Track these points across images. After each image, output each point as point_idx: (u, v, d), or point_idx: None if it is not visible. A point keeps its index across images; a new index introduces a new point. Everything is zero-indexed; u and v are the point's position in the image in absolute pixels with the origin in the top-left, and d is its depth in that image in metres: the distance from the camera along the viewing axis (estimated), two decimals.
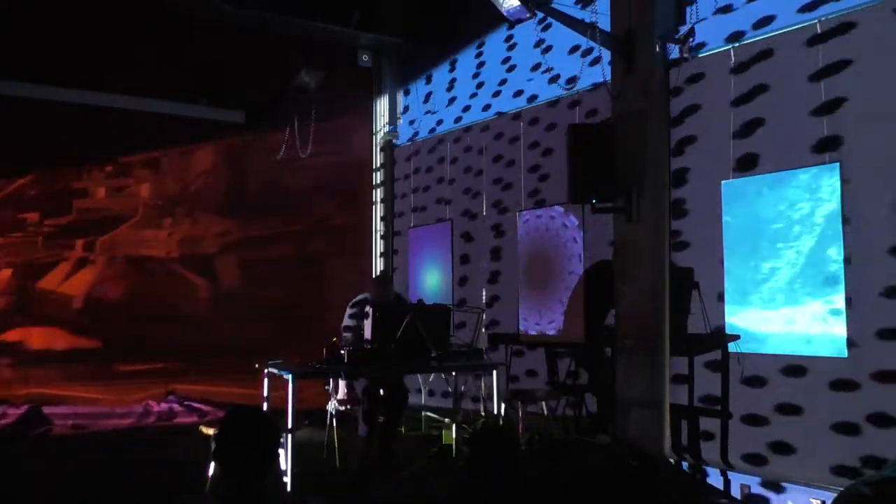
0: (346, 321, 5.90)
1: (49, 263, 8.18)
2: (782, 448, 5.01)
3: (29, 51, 7.39)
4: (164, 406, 7.92)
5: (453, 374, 6.37)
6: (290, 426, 4.87)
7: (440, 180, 8.55)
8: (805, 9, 5.11)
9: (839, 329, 4.75)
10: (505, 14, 5.14)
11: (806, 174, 4.99)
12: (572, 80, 6.19)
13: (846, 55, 4.84)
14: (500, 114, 7.75)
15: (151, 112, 8.13)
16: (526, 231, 7.28)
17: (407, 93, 9.12)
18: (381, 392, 5.69)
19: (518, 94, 7.54)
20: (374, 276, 8.93)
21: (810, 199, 4.95)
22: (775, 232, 5.16)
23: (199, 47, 7.95)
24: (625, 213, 5.57)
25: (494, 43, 8.04)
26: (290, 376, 4.97)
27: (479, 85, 8.19)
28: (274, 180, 9.06)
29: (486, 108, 8.00)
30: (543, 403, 6.17)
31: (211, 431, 4.80)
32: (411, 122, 9.04)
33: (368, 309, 5.63)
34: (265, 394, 5.43)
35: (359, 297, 5.98)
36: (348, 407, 5.89)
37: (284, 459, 4.80)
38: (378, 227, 9.53)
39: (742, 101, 5.43)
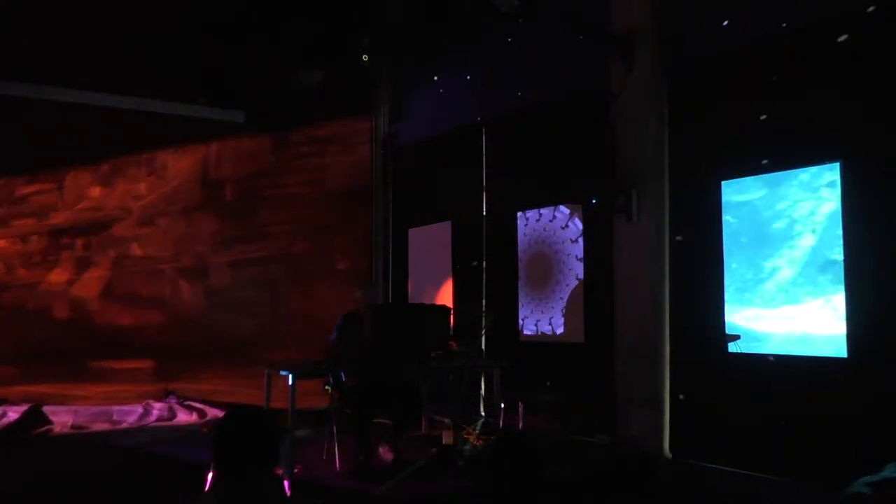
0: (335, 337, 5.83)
1: (42, 262, 8.19)
2: (783, 448, 5.01)
3: (30, 50, 7.39)
4: (164, 406, 7.92)
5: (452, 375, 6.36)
6: (290, 426, 4.87)
7: (440, 180, 8.53)
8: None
9: (839, 329, 4.75)
10: (495, 3, 5.08)
11: (806, 174, 4.99)
12: (574, 80, 6.18)
13: (846, 56, 4.85)
14: (499, 112, 7.73)
15: (151, 112, 8.13)
16: (527, 231, 7.27)
17: (412, 91, 9.08)
18: (380, 394, 5.68)
19: (518, 92, 7.52)
20: (368, 279, 8.88)
21: (811, 199, 4.96)
22: (776, 231, 5.16)
23: (198, 47, 7.95)
24: (625, 213, 5.57)
25: (493, 43, 8.02)
26: (290, 376, 4.97)
27: (479, 84, 8.17)
28: (272, 179, 9.06)
29: (485, 107, 7.97)
30: (543, 403, 6.16)
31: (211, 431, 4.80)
32: (411, 121, 9.01)
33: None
34: (265, 394, 5.43)
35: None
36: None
37: (284, 459, 4.79)
38: (378, 226, 9.52)
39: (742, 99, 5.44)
